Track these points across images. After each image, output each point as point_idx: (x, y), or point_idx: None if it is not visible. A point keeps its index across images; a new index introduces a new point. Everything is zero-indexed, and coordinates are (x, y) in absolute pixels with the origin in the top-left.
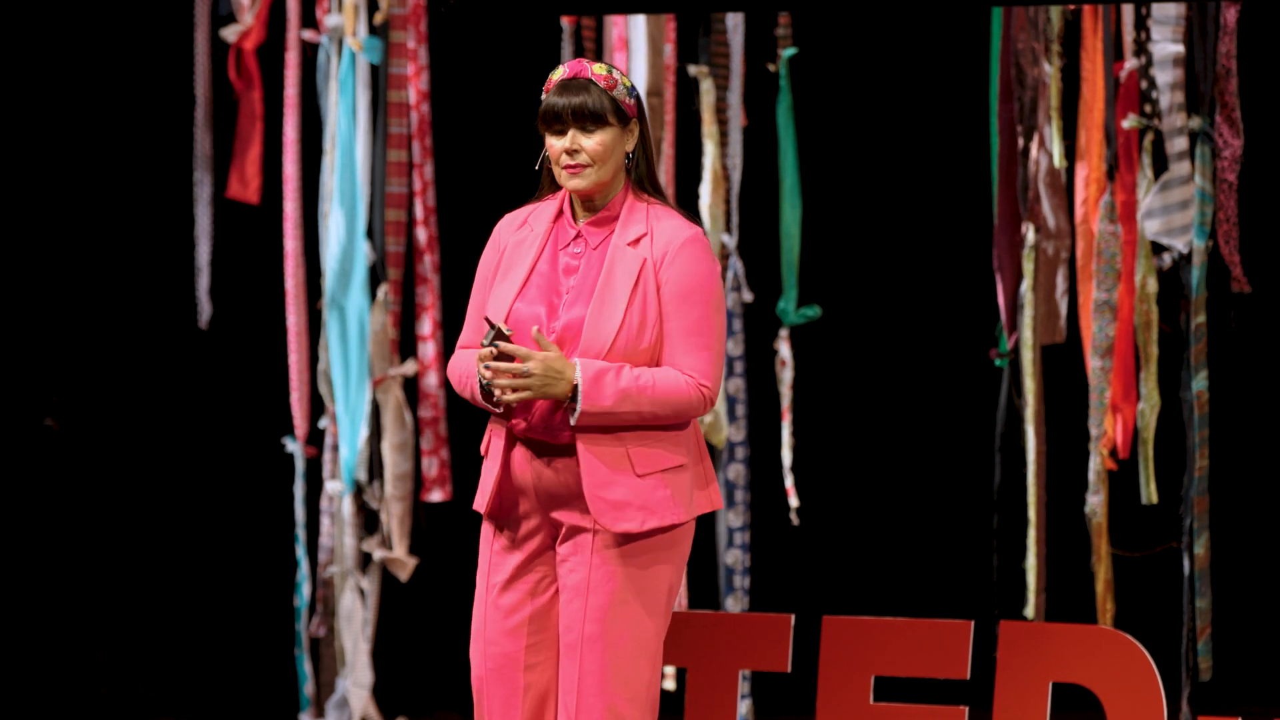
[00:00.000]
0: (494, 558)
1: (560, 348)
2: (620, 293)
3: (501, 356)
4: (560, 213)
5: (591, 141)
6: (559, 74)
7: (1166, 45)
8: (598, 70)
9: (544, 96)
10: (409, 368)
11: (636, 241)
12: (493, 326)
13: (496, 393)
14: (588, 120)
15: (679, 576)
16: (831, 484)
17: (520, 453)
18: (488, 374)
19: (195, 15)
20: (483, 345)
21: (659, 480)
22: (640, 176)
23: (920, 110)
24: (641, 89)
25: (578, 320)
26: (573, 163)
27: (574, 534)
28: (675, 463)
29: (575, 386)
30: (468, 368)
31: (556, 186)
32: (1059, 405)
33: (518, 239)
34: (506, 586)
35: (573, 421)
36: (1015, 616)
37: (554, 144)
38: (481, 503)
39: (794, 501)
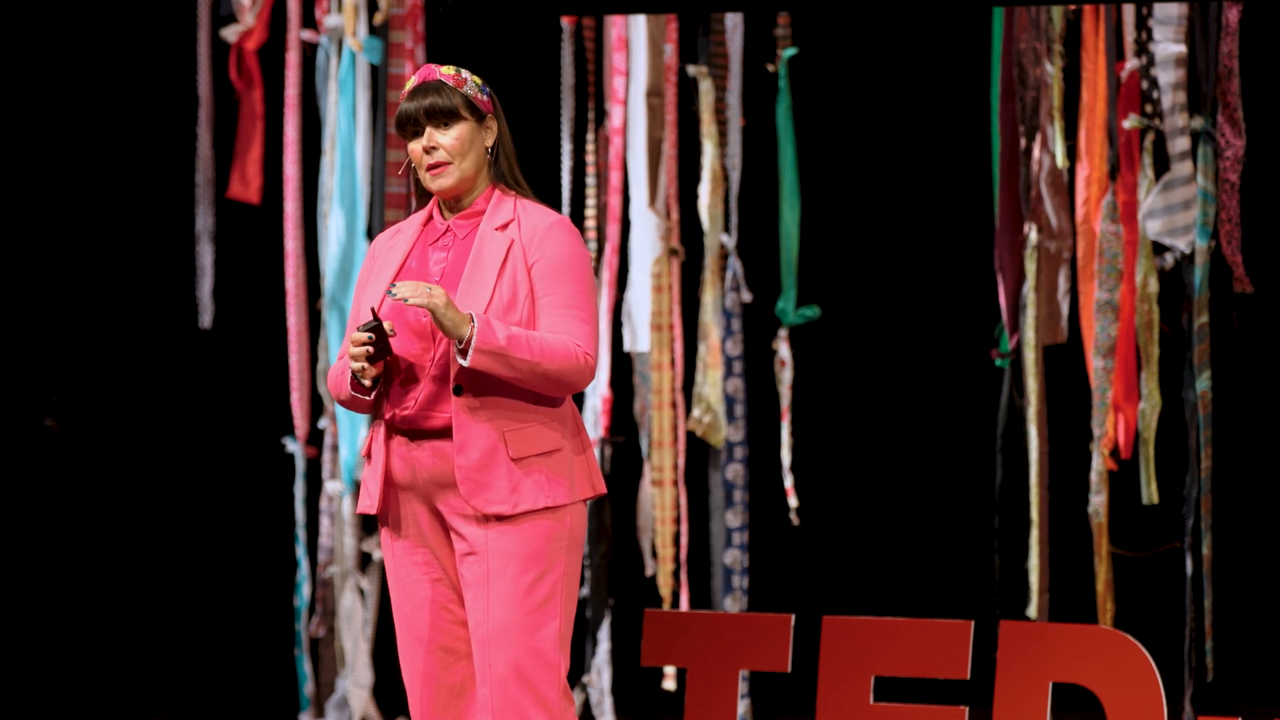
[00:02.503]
0: (398, 560)
1: (430, 335)
2: (489, 272)
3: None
4: (430, 217)
5: (447, 138)
6: (411, 82)
7: (1168, 45)
8: (446, 71)
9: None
10: None
11: (504, 226)
12: (375, 317)
13: (409, 294)
14: (440, 117)
15: (576, 560)
16: (831, 484)
17: (400, 446)
18: (361, 346)
19: (197, 15)
20: (359, 330)
21: (532, 464)
22: (502, 173)
23: (921, 110)
24: (641, 89)
25: None
26: (433, 161)
27: (462, 523)
28: (550, 447)
29: (472, 320)
30: (343, 369)
31: (426, 198)
32: (1060, 405)
33: (389, 245)
34: (418, 587)
35: (466, 361)
36: (1017, 616)
37: (414, 147)
38: (368, 505)
39: (793, 501)
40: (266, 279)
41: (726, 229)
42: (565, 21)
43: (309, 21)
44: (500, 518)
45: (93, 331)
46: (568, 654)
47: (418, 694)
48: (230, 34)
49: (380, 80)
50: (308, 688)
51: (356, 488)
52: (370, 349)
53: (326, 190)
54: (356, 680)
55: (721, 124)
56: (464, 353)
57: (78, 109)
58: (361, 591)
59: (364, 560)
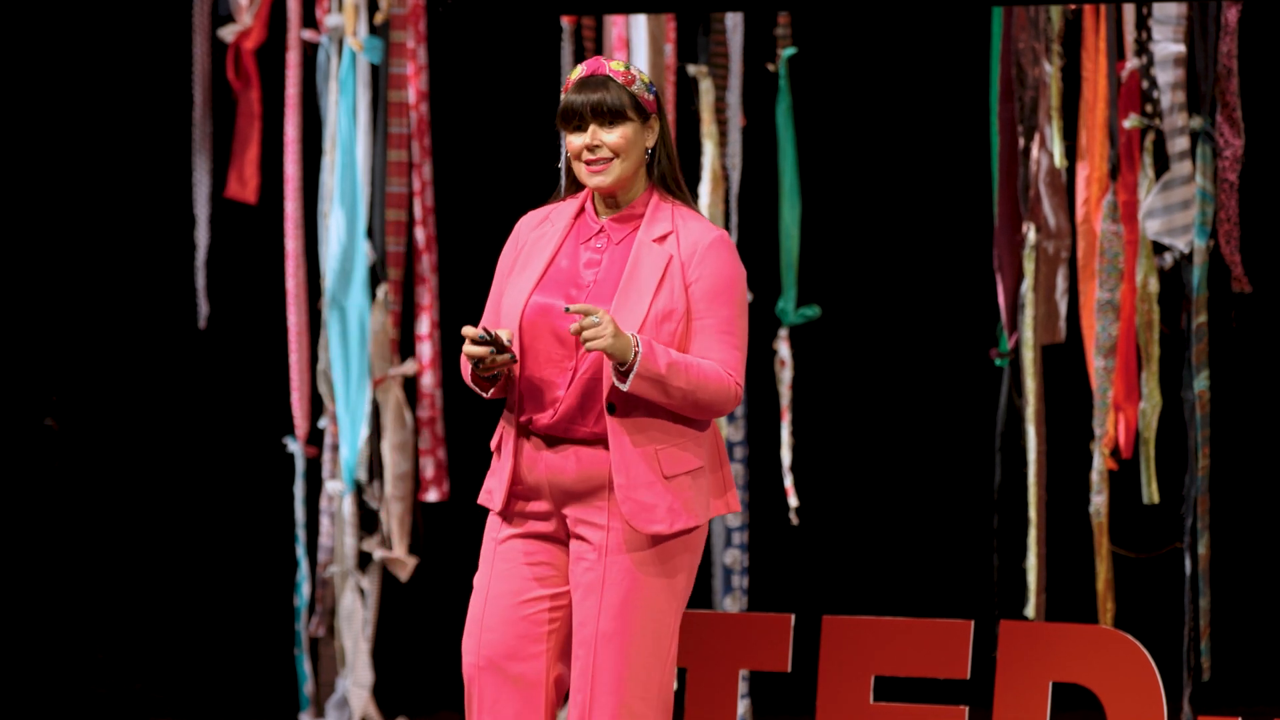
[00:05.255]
0: (499, 548)
1: (575, 344)
2: (646, 286)
3: (486, 344)
4: (582, 210)
5: (613, 136)
6: (577, 72)
7: (1167, 45)
8: (615, 67)
9: (563, 95)
10: (409, 367)
11: (663, 238)
12: (489, 334)
13: (586, 338)
14: (607, 116)
15: (692, 577)
16: (831, 484)
17: (537, 449)
18: (484, 363)
19: (194, 15)
20: (478, 338)
21: (683, 482)
22: (663, 174)
23: (920, 110)
24: None
25: None
26: (594, 158)
27: (588, 530)
28: (696, 465)
29: (635, 345)
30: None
31: (577, 187)
32: (1059, 405)
33: (537, 235)
34: (510, 577)
35: (626, 386)
36: (1016, 616)
37: (574, 141)
38: (494, 500)
39: (793, 501)
40: (266, 279)
41: (727, 229)
42: (565, 21)
43: (309, 21)
44: (655, 536)
45: (92, 331)
46: (673, 669)
47: (471, 680)
48: (228, 34)
49: (381, 80)
50: (308, 687)
51: (357, 487)
52: (485, 358)
53: (327, 190)
54: (356, 680)
55: (721, 124)
56: (624, 375)
57: (76, 108)
58: (361, 591)
59: (364, 560)
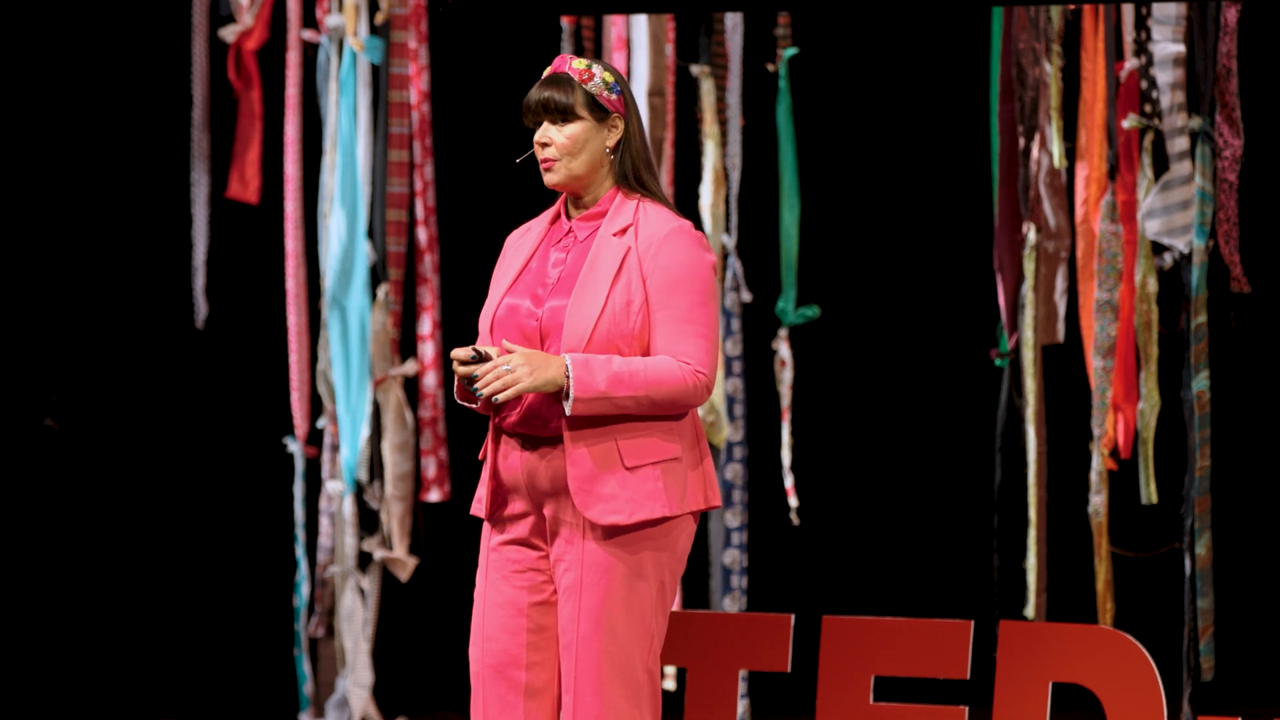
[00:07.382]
0: (491, 556)
1: (545, 336)
2: (603, 279)
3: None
4: (557, 215)
5: (561, 135)
6: (547, 71)
7: (1167, 45)
8: (576, 65)
9: None
10: (409, 368)
11: (622, 231)
12: (477, 352)
13: (488, 392)
14: (556, 114)
15: (675, 572)
16: (831, 484)
17: (510, 449)
18: (474, 381)
19: (194, 15)
20: (464, 360)
21: (649, 473)
22: (627, 172)
23: (920, 110)
24: (642, 89)
25: (560, 308)
26: (544, 156)
27: (565, 530)
28: (668, 455)
29: (566, 371)
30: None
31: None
32: (1060, 405)
33: (519, 243)
34: (505, 584)
35: (568, 410)
36: (1016, 616)
37: (535, 137)
38: (478, 508)
39: (794, 501)
40: (266, 279)
41: (727, 229)
42: (565, 21)
43: (310, 21)
44: (611, 528)
45: (93, 332)
46: (657, 668)
47: (477, 688)
48: (229, 34)
49: (382, 80)
50: (307, 688)
51: (357, 487)
52: (469, 373)
53: (327, 190)
54: (356, 680)
55: (722, 124)
56: (565, 400)
57: (76, 108)
58: (362, 591)
59: (364, 560)
